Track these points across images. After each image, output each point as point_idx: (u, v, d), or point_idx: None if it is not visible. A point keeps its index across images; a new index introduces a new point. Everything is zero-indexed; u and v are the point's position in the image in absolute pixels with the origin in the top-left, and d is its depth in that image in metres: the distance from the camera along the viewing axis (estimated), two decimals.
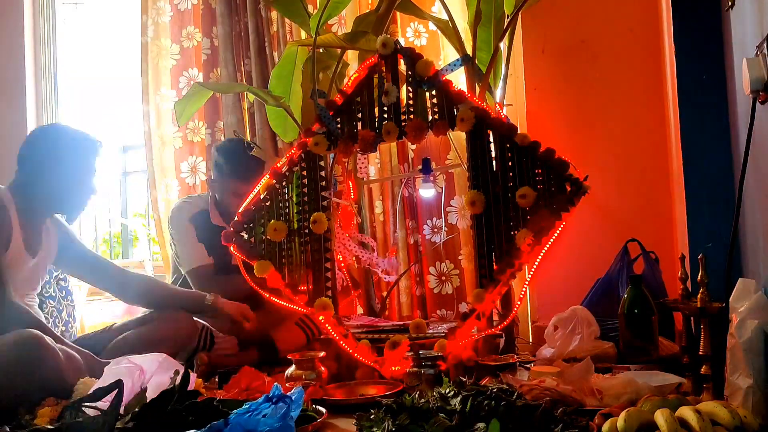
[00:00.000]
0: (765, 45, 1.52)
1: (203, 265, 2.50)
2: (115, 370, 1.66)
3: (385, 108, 2.13)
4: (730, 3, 1.85)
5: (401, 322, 2.45)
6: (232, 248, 2.19)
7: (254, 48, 3.10)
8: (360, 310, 2.84)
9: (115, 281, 2.30)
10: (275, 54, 3.07)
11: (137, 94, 3.26)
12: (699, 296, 1.57)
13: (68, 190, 2.11)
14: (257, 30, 3.10)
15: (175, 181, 3.22)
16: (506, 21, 2.52)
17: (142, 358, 1.72)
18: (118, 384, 1.35)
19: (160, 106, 3.22)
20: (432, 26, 2.90)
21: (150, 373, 1.67)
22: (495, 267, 2.03)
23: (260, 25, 3.11)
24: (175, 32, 3.24)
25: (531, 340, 2.54)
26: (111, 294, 2.38)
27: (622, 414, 1.31)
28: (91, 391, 1.44)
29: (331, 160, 2.28)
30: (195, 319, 2.32)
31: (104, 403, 1.39)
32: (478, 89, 2.40)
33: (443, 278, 2.94)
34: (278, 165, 2.20)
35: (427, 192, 2.76)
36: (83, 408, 1.40)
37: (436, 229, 2.95)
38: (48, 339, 1.75)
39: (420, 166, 2.55)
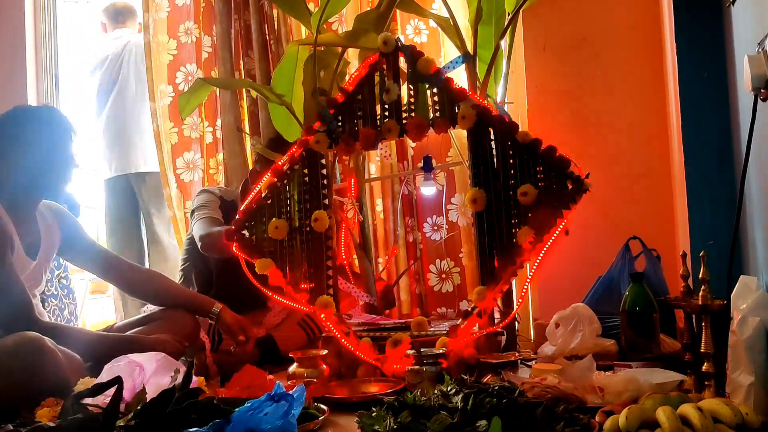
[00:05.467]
0: (766, 42, 1.52)
1: (217, 217, 2.55)
2: (114, 368, 1.66)
3: (386, 106, 2.13)
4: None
5: (402, 320, 2.45)
6: (234, 247, 2.19)
7: (257, 46, 3.10)
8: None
9: (123, 277, 2.28)
10: (281, 49, 3.07)
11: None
12: (700, 293, 1.57)
13: (44, 172, 2.02)
14: (260, 28, 3.11)
15: (171, 177, 3.21)
16: (507, 18, 2.52)
17: (143, 356, 1.72)
18: (117, 380, 1.35)
19: (157, 101, 3.22)
20: (433, 24, 2.91)
21: (149, 371, 1.67)
22: (496, 265, 2.04)
23: (263, 23, 3.12)
24: (172, 27, 3.24)
25: (532, 338, 2.54)
26: (119, 289, 2.35)
27: (624, 411, 1.31)
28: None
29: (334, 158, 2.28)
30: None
31: (104, 401, 1.39)
32: (479, 86, 2.40)
33: (444, 276, 2.94)
34: (280, 163, 2.20)
35: (428, 190, 2.76)
36: (84, 405, 1.40)
37: (436, 227, 2.95)
38: (49, 341, 1.75)
39: (421, 164, 2.55)
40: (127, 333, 2.13)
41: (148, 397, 1.43)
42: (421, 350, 1.86)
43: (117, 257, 2.34)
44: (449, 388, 1.45)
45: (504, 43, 2.57)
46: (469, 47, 2.46)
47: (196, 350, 2.17)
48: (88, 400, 1.42)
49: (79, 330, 2.10)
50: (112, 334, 2.12)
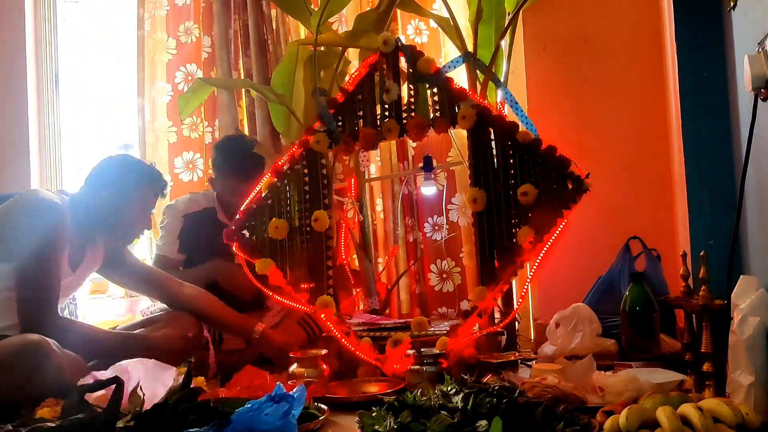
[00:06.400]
0: (766, 42, 1.52)
1: (170, 257, 2.53)
2: (101, 375, 1.66)
3: (386, 106, 2.13)
4: (732, 4, 1.85)
5: (403, 320, 2.45)
6: (234, 247, 2.19)
7: (255, 46, 3.10)
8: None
9: (168, 295, 2.29)
10: (279, 49, 3.07)
11: (135, 91, 3.27)
12: (701, 293, 1.57)
13: (124, 221, 2.10)
14: (257, 28, 3.11)
15: (167, 177, 3.20)
16: (507, 18, 2.52)
17: (131, 362, 1.70)
18: (118, 380, 1.35)
19: (155, 99, 3.22)
20: (433, 24, 2.90)
21: (136, 378, 1.64)
22: (496, 265, 2.04)
23: (261, 23, 3.12)
24: (171, 26, 3.23)
25: (533, 338, 2.54)
26: (164, 304, 2.36)
27: (624, 411, 1.31)
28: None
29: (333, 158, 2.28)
30: None
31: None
32: (479, 86, 2.40)
33: (444, 276, 2.94)
34: (280, 163, 2.20)
35: (428, 190, 2.76)
36: (88, 403, 1.40)
37: (437, 227, 2.95)
38: (52, 343, 1.75)
39: (421, 164, 2.55)
40: (136, 331, 2.14)
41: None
42: (421, 350, 1.87)
43: (163, 275, 2.34)
44: (449, 388, 1.45)
45: (504, 43, 2.57)
46: (470, 47, 2.46)
47: (198, 348, 2.17)
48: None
49: (90, 327, 2.14)
50: (123, 332, 2.14)
